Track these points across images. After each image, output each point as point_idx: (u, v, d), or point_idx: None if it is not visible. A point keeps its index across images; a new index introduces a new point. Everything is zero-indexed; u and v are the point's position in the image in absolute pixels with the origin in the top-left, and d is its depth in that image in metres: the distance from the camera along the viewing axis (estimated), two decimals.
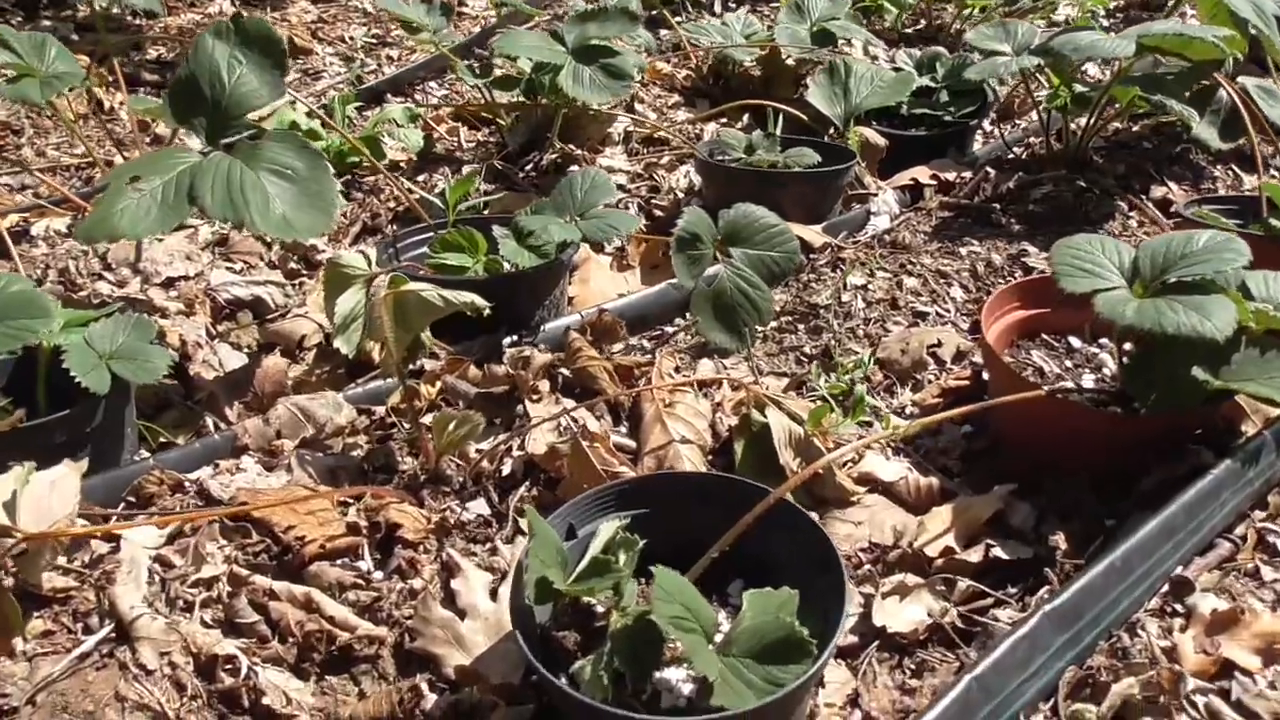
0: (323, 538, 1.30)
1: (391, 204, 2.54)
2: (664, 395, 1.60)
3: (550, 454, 1.47)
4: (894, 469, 1.60)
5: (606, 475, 1.41)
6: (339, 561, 1.30)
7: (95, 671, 1.09)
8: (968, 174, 2.67)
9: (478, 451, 1.51)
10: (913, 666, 1.28)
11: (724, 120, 2.98)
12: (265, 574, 1.24)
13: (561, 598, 1.11)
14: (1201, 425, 1.56)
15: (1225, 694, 1.09)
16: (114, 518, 1.32)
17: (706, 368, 1.81)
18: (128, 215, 1.64)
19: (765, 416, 1.55)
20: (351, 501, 1.41)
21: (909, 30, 4.07)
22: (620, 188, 2.68)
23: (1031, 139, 2.90)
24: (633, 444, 1.57)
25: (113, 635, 1.12)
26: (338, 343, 1.67)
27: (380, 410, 1.68)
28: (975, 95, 2.88)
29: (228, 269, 2.15)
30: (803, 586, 1.16)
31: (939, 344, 1.90)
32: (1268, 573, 1.31)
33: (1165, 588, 1.28)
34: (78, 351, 1.47)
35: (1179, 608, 1.25)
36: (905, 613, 1.36)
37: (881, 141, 2.73)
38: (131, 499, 1.41)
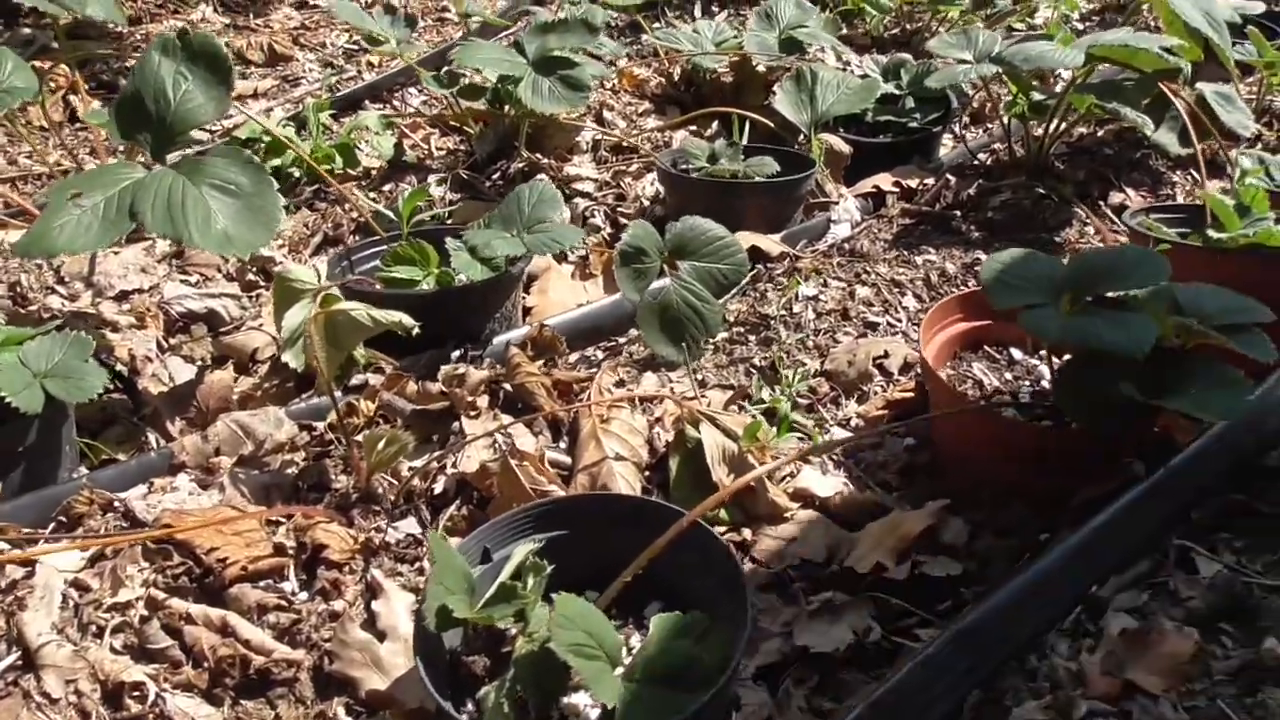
0: (246, 559, 1.31)
1: (355, 214, 2.54)
2: (601, 411, 1.61)
3: (481, 472, 1.48)
4: (830, 484, 1.60)
5: (535, 494, 1.42)
6: (262, 583, 1.31)
7: None
8: (930, 181, 2.67)
9: (410, 469, 1.52)
10: (832, 688, 1.29)
11: (693, 128, 2.99)
12: (184, 597, 1.25)
13: (468, 623, 1.12)
14: (1134, 439, 1.57)
15: (1126, 716, 1.10)
16: (40, 540, 1.34)
17: (650, 382, 1.82)
18: (66, 231, 1.66)
19: (700, 433, 1.55)
20: (283, 521, 1.42)
21: (888, 34, 4.07)
22: (587, 195, 2.69)
23: (997, 145, 2.90)
24: (569, 460, 1.58)
25: (19, 663, 1.13)
26: (286, 357, 1.68)
27: (321, 426, 1.69)
28: (940, 102, 2.88)
29: (183, 282, 2.16)
30: (714, 609, 1.17)
31: (886, 355, 1.91)
32: (1183, 590, 1.32)
33: (1079, 607, 1.28)
34: (9, 371, 1.48)
35: (1091, 627, 1.25)
36: (831, 632, 1.36)
37: (846, 149, 2.73)
38: (62, 519, 1.42)
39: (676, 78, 3.24)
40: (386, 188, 2.68)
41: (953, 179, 2.63)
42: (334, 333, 1.49)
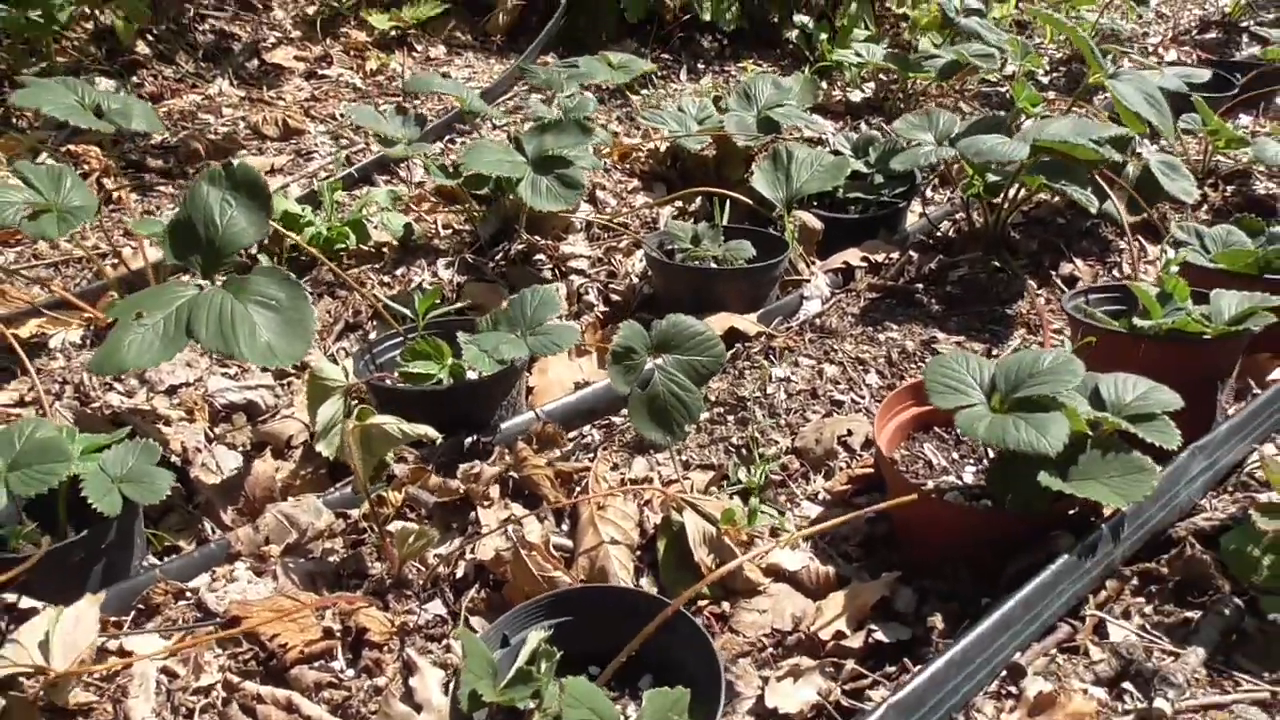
0: (302, 643, 1.56)
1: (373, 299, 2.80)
2: (598, 499, 1.86)
3: (496, 559, 1.72)
4: (797, 558, 1.85)
5: (542, 579, 1.67)
6: (316, 664, 1.56)
7: None
8: (896, 254, 2.92)
9: (436, 557, 1.76)
10: None
11: (679, 204, 3.24)
12: (254, 679, 1.50)
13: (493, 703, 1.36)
14: (1060, 516, 1.81)
15: None
16: (125, 626, 1.58)
17: (640, 466, 2.07)
18: (134, 349, 1.90)
19: (683, 518, 1.80)
20: (329, 607, 1.66)
21: (861, 99, 4.33)
22: (581, 273, 2.94)
23: (959, 214, 3.16)
24: (571, 544, 1.83)
25: None
26: (319, 446, 1.93)
27: (355, 513, 1.94)
28: (906, 177, 3.13)
29: (223, 375, 2.41)
30: (695, 682, 1.42)
31: (850, 433, 2.16)
32: (1096, 654, 1.56)
33: (1005, 672, 1.53)
34: (93, 480, 1.73)
35: (1013, 690, 1.50)
36: (797, 694, 1.61)
37: (818, 225, 2.99)
38: (141, 607, 1.67)
39: (663, 151, 3.49)
40: (399, 270, 2.93)
41: (915, 255, 2.88)
42: (369, 442, 1.73)
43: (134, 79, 4.32)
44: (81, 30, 4.41)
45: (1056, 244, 2.94)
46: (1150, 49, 4.98)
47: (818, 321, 2.64)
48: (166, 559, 1.84)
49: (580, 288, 2.87)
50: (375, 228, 3.24)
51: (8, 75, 4.01)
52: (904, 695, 1.41)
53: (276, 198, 3.18)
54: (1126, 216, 2.96)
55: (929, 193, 3.53)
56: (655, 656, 1.50)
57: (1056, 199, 3.23)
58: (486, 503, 1.86)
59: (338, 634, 1.60)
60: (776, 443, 2.17)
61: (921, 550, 1.85)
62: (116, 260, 2.90)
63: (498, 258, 2.96)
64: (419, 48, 4.96)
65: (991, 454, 1.84)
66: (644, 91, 4.36)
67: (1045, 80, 4.58)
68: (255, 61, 4.68)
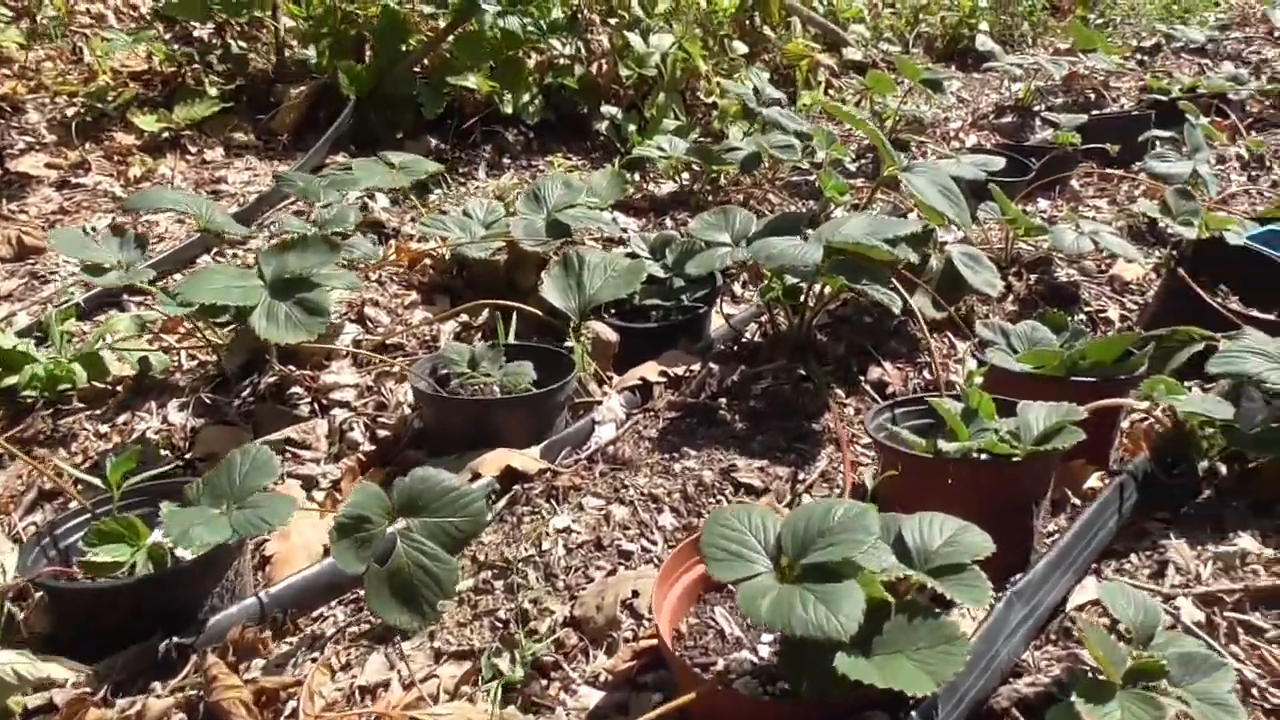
0: None
1: (80, 458, 2.34)
2: None
3: None
4: None
5: None
6: None
7: None
8: (697, 366, 2.67)
9: None
10: None
11: (465, 318, 2.92)
12: None
13: None
14: (870, 696, 1.53)
15: None
16: None
17: (375, 665, 1.69)
18: None
19: None
20: None
21: (669, 188, 4.16)
22: (345, 406, 2.57)
23: (764, 316, 2.95)
24: None
25: None
26: None
27: None
28: (707, 279, 2.91)
29: None
30: None
31: (635, 595, 1.84)
32: None
33: None
34: None
35: None
36: None
37: (613, 336, 2.71)
38: None
39: (449, 258, 3.18)
40: (122, 419, 2.48)
41: (716, 366, 2.64)
42: None
43: None
44: None
45: (864, 345, 2.75)
46: (952, 133, 5.03)
47: (611, 450, 2.34)
48: None
49: (344, 424, 2.49)
50: (119, 360, 2.79)
51: None
52: None
53: None
54: (932, 313, 2.82)
55: (739, 289, 3.34)
56: None
57: (863, 297, 3.07)
58: None
59: None
60: (552, 612, 1.83)
61: None
62: None
63: (245, 394, 2.55)
64: (194, 150, 4.53)
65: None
66: (437, 192, 4.06)
67: (854, 167, 4.52)
68: None
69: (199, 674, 1.58)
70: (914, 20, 7.01)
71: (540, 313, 2.80)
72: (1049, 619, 1.74)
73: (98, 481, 1.92)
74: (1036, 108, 5.35)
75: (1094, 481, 2.26)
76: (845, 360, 2.69)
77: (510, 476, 2.21)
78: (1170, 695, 1.39)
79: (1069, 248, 2.96)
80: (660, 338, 2.78)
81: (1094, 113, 4.94)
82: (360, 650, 1.74)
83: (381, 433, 2.48)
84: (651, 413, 2.51)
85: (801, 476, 2.23)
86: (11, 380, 2.68)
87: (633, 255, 3.00)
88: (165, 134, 4.52)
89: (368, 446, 2.44)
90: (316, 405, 2.54)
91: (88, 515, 1.91)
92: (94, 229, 2.95)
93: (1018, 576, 1.82)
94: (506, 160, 4.72)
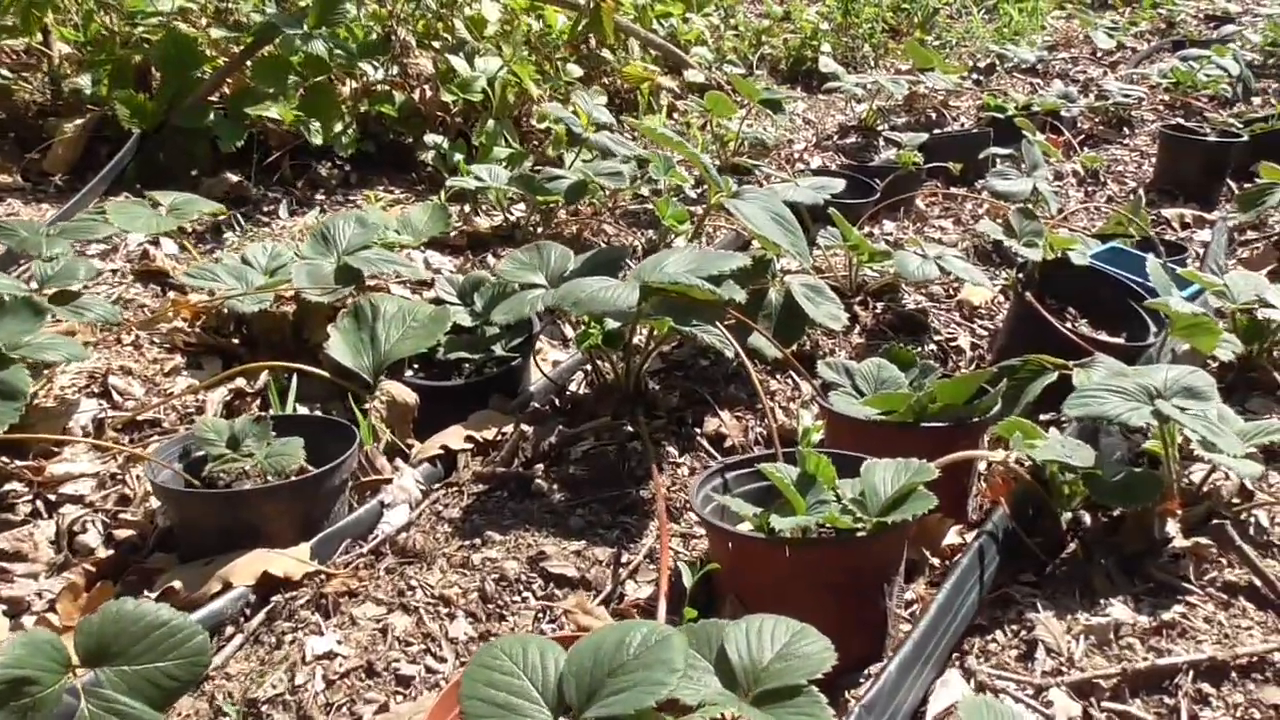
0: None
1: None
2: None
3: None
4: None
5: None
6: None
7: None
8: (511, 428, 2.32)
9: None
10: None
11: (237, 386, 2.49)
12: None
13: None
14: None
15: None
16: None
17: None
18: None
19: None
20: None
21: (497, 220, 3.82)
22: (80, 501, 2.11)
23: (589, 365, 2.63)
24: None
25: None
26: None
27: None
28: (524, 325, 2.57)
29: None
30: None
31: None
32: None
33: None
34: None
35: None
36: None
37: (412, 399, 2.34)
38: None
39: (225, 314, 2.74)
40: None
41: (531, 428, 2.30)
42: None
43: None
44: None
45: (701, 394, 2.46)
46: (796, 155, 4.87)
47: (401, 539, 1.96)
48: None
49: (75, 523, 2.04)
50: None
51: None
52: None
53: None
54: (774, 352, 2.55)
55: (570, 330, 3.01)
56: None
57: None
58: None
59: None
60: None
61: None
62: None
63: None
64: None
65: None
66: (231, 235, 3.60)
67: (695, 194, 4.27)
68: None
69: None
70: (757, 43, 6.89)
71: (327, 374, 2.40)
72: None
73: None
74: (880, 128, 5.25)
75: (952, 537, 2.02)
76: (680, 412, 2.39)
77: (267, 586, 1.81)
78: None
79: (914, 275, 2.75)
80: (469, 396, 2.43)
81: (935, 131, 4.86)
82: None
83: (122, 533, 2.04)
84: (455, 488, 2.15)
85: (626, 559, 1.90)
86: None
87: (438, 301, 2.63)
88: None
89: (104, 552, 1.99)
90: (41, 503, 2.08)
91: None
92: None
93: (870, 674, 1.54)
94: (320, 196, 4.27)
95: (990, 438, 2.22)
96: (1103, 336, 2.84)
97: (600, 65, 5.63)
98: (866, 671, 1.61)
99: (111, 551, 2.00)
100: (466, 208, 4.08)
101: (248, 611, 1.78)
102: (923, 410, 2.02)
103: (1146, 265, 2.51)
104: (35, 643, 1.34)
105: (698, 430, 2.33)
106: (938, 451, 1.86)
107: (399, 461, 2.21)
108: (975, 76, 6.60)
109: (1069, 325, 2.77)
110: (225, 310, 2.73)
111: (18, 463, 2.13)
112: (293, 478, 1.97)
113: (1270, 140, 4.58)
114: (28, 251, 2.34)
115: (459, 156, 4.51)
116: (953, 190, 4.21)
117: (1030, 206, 3.27)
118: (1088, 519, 1.92)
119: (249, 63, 4.10)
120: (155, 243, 3.45)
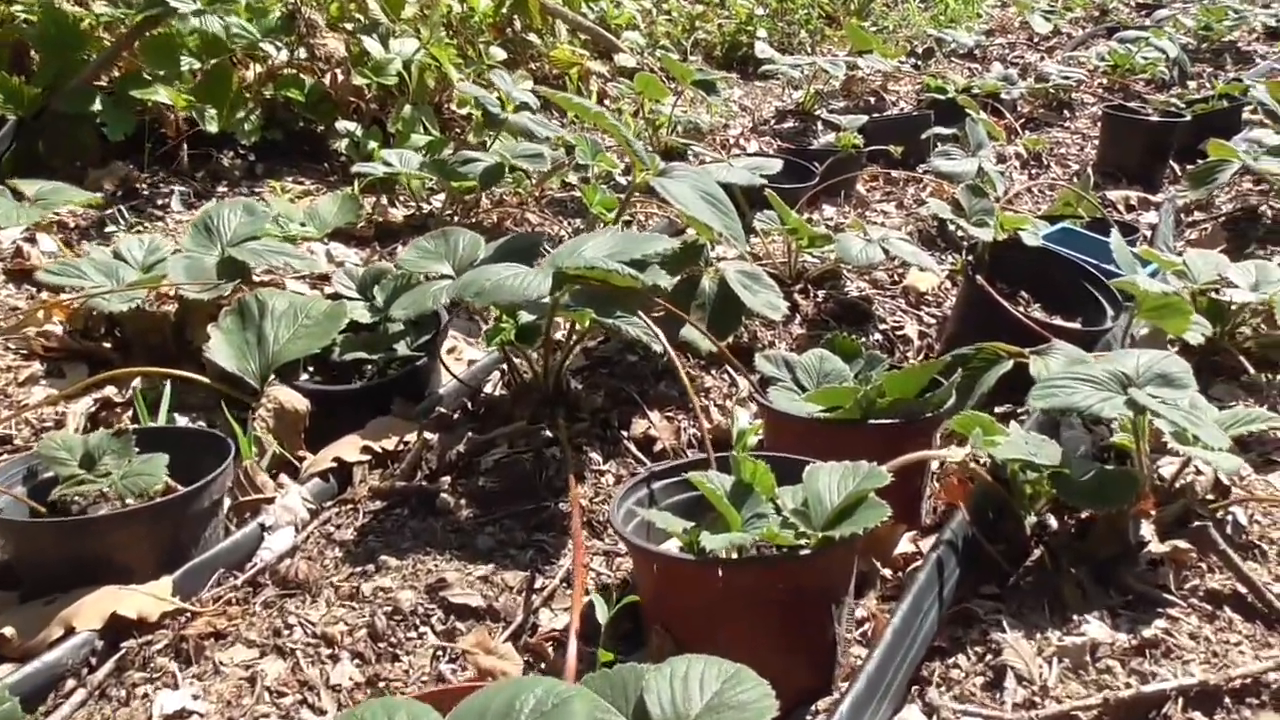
0: None
1: None
2: None
3: None
4: None
5: None
6: None
7: None
8: (414, 436, 2.07)
9: None
10: None
11: (103, 394, 2.20)
12: None
13: None
14: None
15: None
16: None
17: None
18: None
19: None
20: None
21: (405, 218, 3.56)
22: None
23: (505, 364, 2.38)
24: None
25: None
26: None
27: None
28: (431, 320, 2.32)
29: None
30: None
31: None
32: None
33: None
34: None
35: None
36: None
37: (302, 405, 2.08)
38: None
39: (94, 316, 2.44)
40: None
41: (436, 436, 2.05)
42: None
43: None
44: None
45: (628, 392, 2.23)
46: (732, 141, 4.66)
47: (283, 568, 1.70)
48: None
49: None
50: None
51: None
52: None
53: None
54: (708, 345, 2.34)
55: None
56: None
57: None
58: None
59: None
60: None
61: None
62: None
63: None
64: None
65: None
66: (116, 229, 3.28)
67: (626, 181, 4.05)
68: None
69: None
70: (690, 28, 6.68)
71: (209, 380, 2.13)
72: None
73: None
74: (818, 112, 5.07)
75: (906, 544, 1.82)
76: (605, 413, 2.16)
77: (121, 627, 1.54)
78: None
79: (857, 258, 2.56)
80: (369, 401, 2.17)
81: (875, 115, 4.69)
82: None
83: None
84: (349, 506, 1.89)
85: (540, 583, 1.67)
86: None
87: (336, 296, 2.37)
88: None
89: None
90: None
91: None
92: None
93: (819, 709, 1.33)
94: (223, 188, 3.96)
95: (944, 434, 2.04)
96: (1058, 321, 2.67)
97: (527, 49, 5.38)
98: (815, 707, 1.41)
99: None
100: (384, 199, 3.81)
101: (93, 661, 1.51)
102: (870, 406, 1.82)
103: (1109, 243, 2.33)
104: None
105: (625, 433, 2.10)
106: (888, 451, 1.66)
107: (285, 478, 1.95)
108: (913, 61, 6.47)
109: (1022, 310, 2.60)
110: (95, 311, 2.43)
111: None
112: (156, 500, 1.70)
113: (1211, 121, 4.50)
114: None
115: (374, 144, 4.21)
116: (894, 173, 4.04)
117: (979, 185, 3.10)
118: (1054, 522, 1.74)
119: (138, 44, 3.78)
120: (31, 239, 3.13)
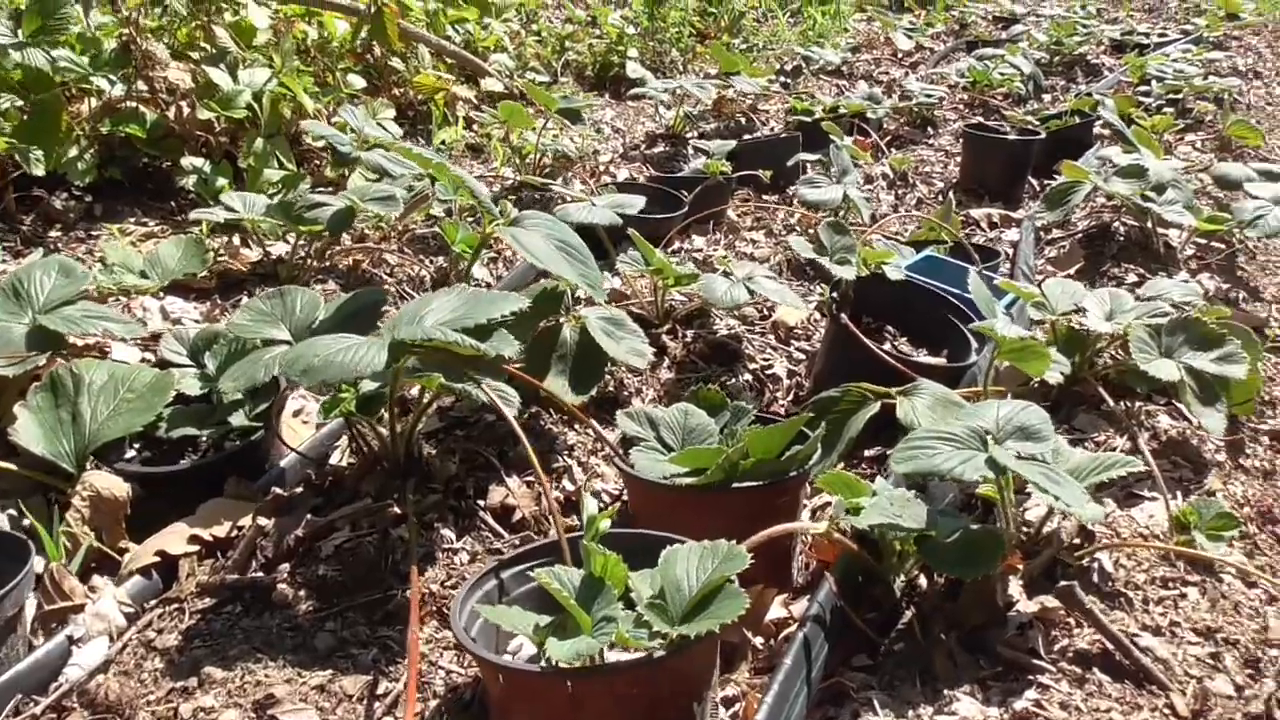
0: None
1: None
2: None
3: None
4: None
5: None
6: None
7: None
8: (248, 520, 1.90)
9: None
10: None
11: None
12: None
13: None
14: None
15: None
16: None
17: None
18: None
19: None
20: None
21: (263, 254, 3.34)
22: None
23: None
24: None
25: None
26: None
27: None
28: (269, 388, 2.14)
29: None
30: None
31: None
32: None
33: None
34: None
35: None
36: None
37: (122, 491, 1.89)
38: None
39: None
40: None
41: (269, 521, 1.88)
42: None
43: None
44: None
45: (485, 456, 2.10)
46: (602, 167, 4.57)
47: (94, 687, 1.52)
48: None
49: None
50: None
51: None
52: None
53: None
54: (572, 398, 2.23)
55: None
56: None
57: None
58: None
59: None
60: None
61: None
62: None
63: None
64: None
65: None
66: None
67: (498, 210, 3.91)
68: None
69: None
70: (561, 49, 6.58)
71: (15, 467, 1.92)
72: None
73: None
74: (689, 135, 5.03)
75: (777, 609, 1.75)
76: (460, 481, 2.03)
77: None
78: None
79: (722, 299, 2.49)
80: (200, 480, 1.99)
81: (745, 138, 4.67)
82: None
83: None
84: (174, 605, 1.71)
85: (383, 688, 1.53)
86: None
87: (164, 363, 2.18)
88: None
89: None
90: None
91: None
92: None
93: None
94: (56, 233, 3.67)
95: (812, 487, 1.98)
96: (924, 355, 2.66)
97: (389, 75, 5.19)
98: None
99: None
100: (234, 239, 3.58)
101: None
102: (734, 468, 1.74)
103: (967, 278, 2.32)
104: None
105: (481, 503, 1.98)
106: (754, 518, 1.60)
107: (99, 579, 1.76)
108: (783, 79, 6.51)
109: (888, 346, 2.58)
110: None
111: None
112: None
113: (1066, 136, 4.64)
114: None
115: (224, 181, 3.98)
116: (764, 199, 4.01)
117: (841, 218, 3.08)
118: (924, 581, 1.69)
119: None
120: None
